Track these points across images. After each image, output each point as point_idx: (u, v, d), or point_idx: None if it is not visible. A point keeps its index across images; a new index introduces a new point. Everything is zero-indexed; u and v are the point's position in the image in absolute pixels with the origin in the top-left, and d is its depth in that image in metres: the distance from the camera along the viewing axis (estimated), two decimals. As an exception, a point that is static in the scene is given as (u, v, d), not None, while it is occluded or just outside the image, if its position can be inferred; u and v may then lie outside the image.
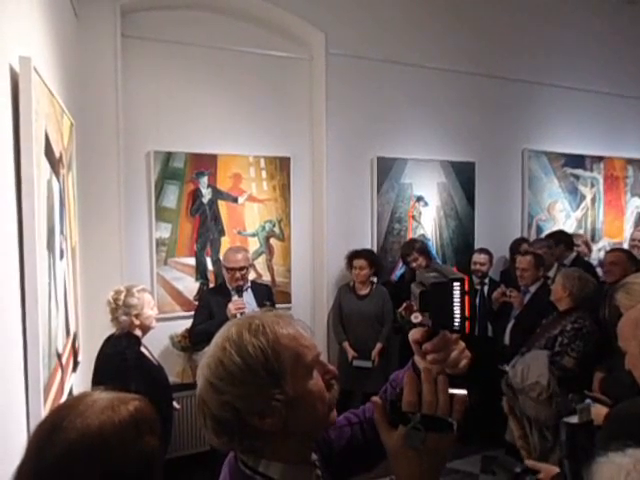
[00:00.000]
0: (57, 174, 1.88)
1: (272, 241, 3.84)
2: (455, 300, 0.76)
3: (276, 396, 0.76)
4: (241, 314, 2.89)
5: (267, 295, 3.23)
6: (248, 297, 3.10)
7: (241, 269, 3.02)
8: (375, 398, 0.77)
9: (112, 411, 0.80)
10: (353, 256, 3.63)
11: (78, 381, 2.30)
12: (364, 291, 3.65)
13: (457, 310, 0.76)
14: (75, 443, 0.75)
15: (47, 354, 1.58)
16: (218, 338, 0.81)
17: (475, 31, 4.32)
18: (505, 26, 4.46)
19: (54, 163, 1.81)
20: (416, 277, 0.89)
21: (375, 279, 3.70)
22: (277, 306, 3.69)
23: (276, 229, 3.85)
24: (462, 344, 0.83)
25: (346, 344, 3.55)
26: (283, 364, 0.78)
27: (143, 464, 0.80)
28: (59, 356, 1.83)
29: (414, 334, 0.86)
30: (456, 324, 0.76)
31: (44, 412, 1.44)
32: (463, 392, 0.71)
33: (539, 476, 1.46)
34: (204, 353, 0.83)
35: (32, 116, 1.37)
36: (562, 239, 4.01)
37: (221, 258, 3.24)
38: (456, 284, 0.76)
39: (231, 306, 2.89)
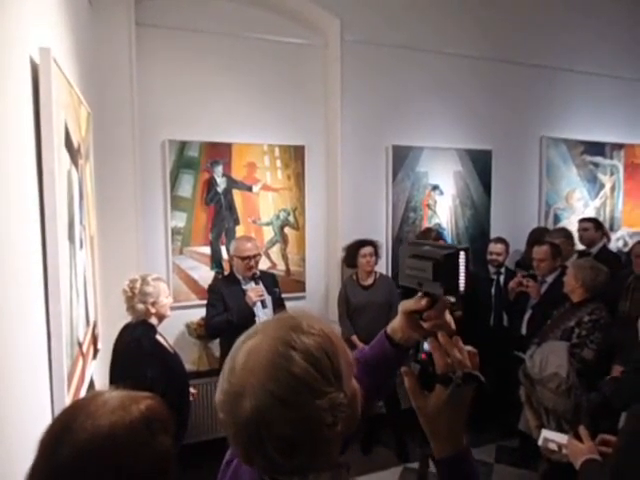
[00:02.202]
0: (76, 164, 1.89)
1: (287, 230, 3.84)
2: (461, 268, 0.84)
3: (342, 400, 0.70)
4: (262, 301, 2.93)
5: (274, 283, 3.25)
6: (257, 285, 3.12)
7: (255, 256, 3.05)
8: (404, 368, 0.82)
9: (123, 411, 0.78)
10: (359, 245, 3.59)
11: (98, 369, 2.34)
12: (369, 281, 3.62)
13: (462, 277, 0.85)
14: (85, 444, 0.73)
15: (69, 343, 1.60)
16: (271, 345, 0.69)
17: (493, 15, 4.23)
18: (523, 10, 4.35)
19: (73, 154, 1.82)
20: (402, 251, 0.95)
21: (376, 269, 3.67)
22: (292, 295, 3.74)
23: (291, 218, 3.84)
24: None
25: (354, 337, 3.49)
26: (340, 364, 0.72)
27: (156, 464, 0.78)
28: (80, 345, 1.85)
29: (413, 304, 0.90)
30: (461, 289, 0.85)
31: (68, 400, 1.47)
32: (470, 348, 0.81)
33: (568, 445, 1.48)
34: (235, 362, 0.70)
35: (52, 107, 1.38)
36: (601, 225, 4.09)
37: (230, 249, 3.21)
38: (462, 253, 0.84)
39: (251, 294, 2.93)
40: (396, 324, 0.97)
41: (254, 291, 2.96)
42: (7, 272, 1.11)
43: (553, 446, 1.72)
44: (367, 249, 3.57)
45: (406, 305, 0.92)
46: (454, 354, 0.78)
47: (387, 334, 0.99)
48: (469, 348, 0.81)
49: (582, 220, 4.21)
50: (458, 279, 0.84)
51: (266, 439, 0.66)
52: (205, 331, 3.18)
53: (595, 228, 4.06)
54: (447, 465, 0.79)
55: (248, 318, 2.91)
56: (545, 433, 1.84)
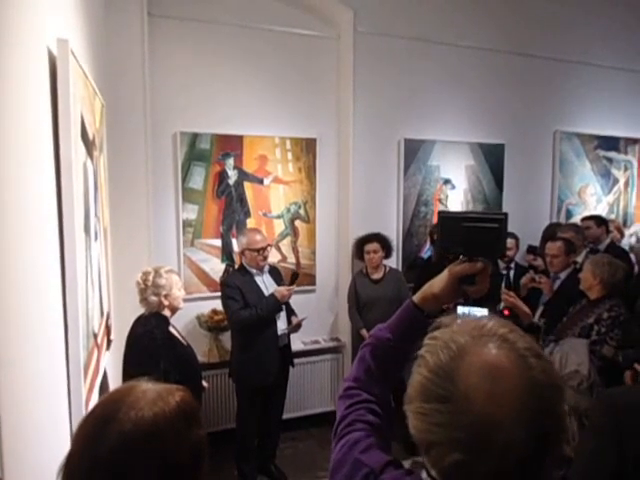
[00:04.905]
0: (91, 156, 1.89)
1: (297, 223, 3.84)
2: (503, 232, 0.89)
3: None
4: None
5: (280, 275, 3.26)
6: (267, 278, 3.13)
7: (266, 248, 3.07)
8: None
9: (162, 402, 0.80)
10: (364, 241, 3.61)
11: (111, 360, 2.36)
12: (378, 275, 3.62)
13: (504, 240, 0.91)
14: (130, 434, 0.75)
15: (85, 334, 1.61)
16: (511, 359, 0.62)
17: (506, 7, 4.17)
18: (537, 2, 4.28)
19: (88, 145, 1.81)
20: (444, 220, 0.96)
21: (385, 262, 3.67)
22: (302, 288, 3.75)
23: (301, 211, 3.83)
24: None
25: (364, 331, 3.49)
26: None
27: (194, 454, 0.80)
28: (95, 336, 1.86)
29: (469, 268, 0.91)
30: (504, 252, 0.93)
31: (84, 391, 1.48)
32: None
33: None
34: (469, 389, 0.62)
35: (70, 99, 1.37)
36: (603, 222, 4.06)
37: (240, 242, 3.15)
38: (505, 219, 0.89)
39: (285, 292, 2.98)
40: (431, 291, 0.95)
41: (288, 290, 3.00)
42: (25, 263, 1.11)
43: None
44: (371, 245, 3.57)
45: (457, 269, 0.92)
46: (526, 308, 0.86)
47: (414, 304, 0.96)
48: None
49: (584, 219, 4.20)
50: (503, 242, 0.91)
51: (547, 463, 0.60)
52: (231, 324, 3.09)
53: (597, 225, 4.04)
54: None
55: (275, 312, 3.00)
56: None
